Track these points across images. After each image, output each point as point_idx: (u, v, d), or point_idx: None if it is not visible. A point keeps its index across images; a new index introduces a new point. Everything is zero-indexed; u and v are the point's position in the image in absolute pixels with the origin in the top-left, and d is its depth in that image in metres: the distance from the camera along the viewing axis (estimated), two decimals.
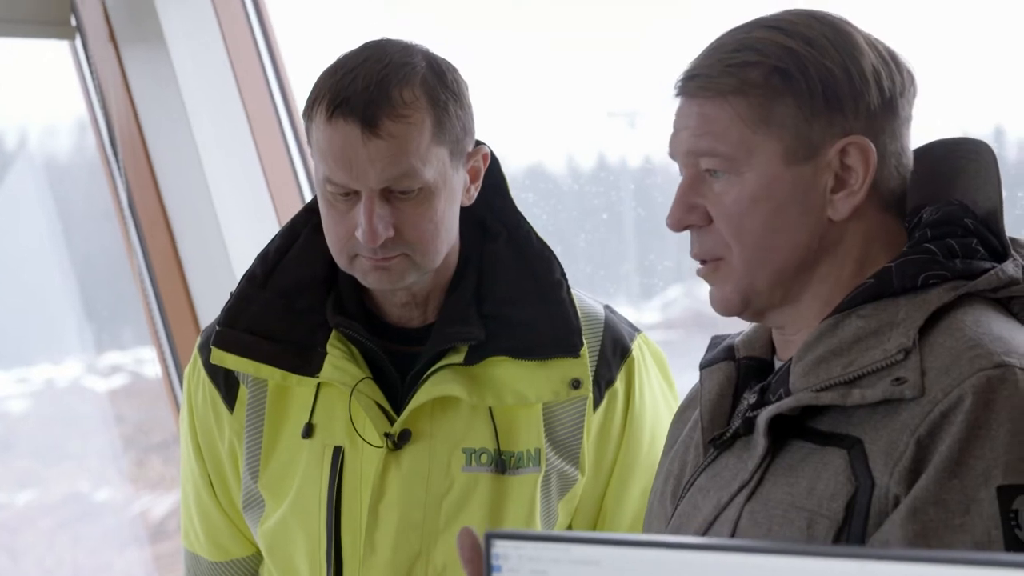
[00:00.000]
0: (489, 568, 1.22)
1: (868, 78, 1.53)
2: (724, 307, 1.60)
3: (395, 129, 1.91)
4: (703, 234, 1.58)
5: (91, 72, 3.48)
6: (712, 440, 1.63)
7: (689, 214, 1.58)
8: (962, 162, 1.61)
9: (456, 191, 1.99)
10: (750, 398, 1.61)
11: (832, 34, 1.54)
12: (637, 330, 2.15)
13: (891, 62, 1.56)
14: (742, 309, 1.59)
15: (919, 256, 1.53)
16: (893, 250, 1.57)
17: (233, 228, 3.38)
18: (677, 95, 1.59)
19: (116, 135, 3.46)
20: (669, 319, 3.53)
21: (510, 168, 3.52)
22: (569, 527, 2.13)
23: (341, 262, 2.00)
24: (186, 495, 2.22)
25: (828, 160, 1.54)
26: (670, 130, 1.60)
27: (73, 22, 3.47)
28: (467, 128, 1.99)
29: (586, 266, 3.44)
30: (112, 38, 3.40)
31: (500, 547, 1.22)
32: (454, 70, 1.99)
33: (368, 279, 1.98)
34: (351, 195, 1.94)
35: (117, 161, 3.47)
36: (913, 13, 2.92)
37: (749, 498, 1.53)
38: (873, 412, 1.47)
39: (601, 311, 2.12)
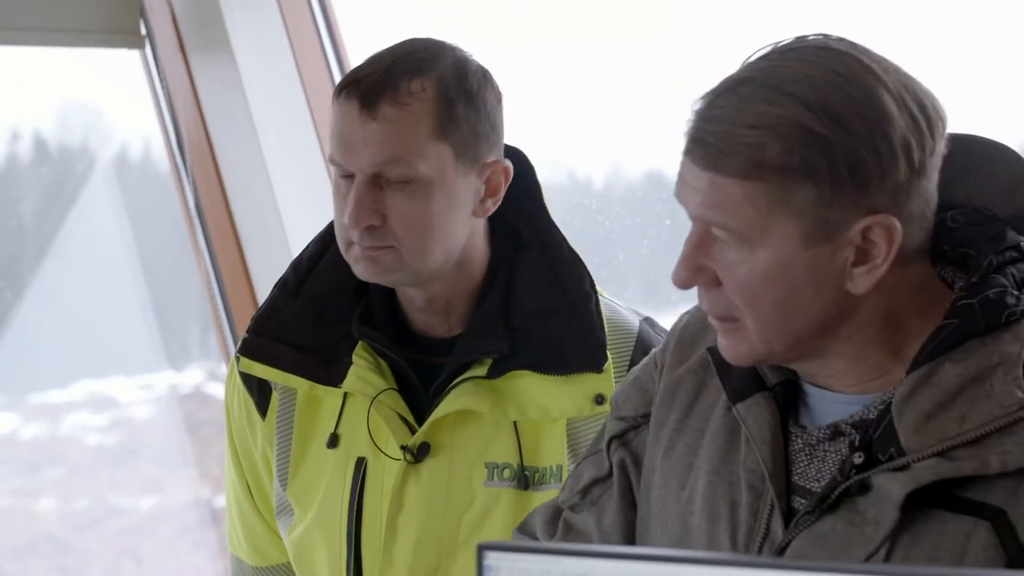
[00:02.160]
0: None
1: (898, 153, 1.41)
2: (735, 360, 1.51)
3: (392, 114, 1.90)
4: (711, 294, 1.48)
5: (160, 80, 3.52)
6: (811, 507, 1.48)
7: (696, 276, 1.47)
8: (969, 160, 1.53)
9: (459, 195, 1.95)
10: (857, 459, 1.46)
11: (862, 103, 1.40)
12: None
13: (921, 120, 1.42)
14: (752, 362, 1.51)
15: (997, 290, 1.44)
16: (919, 293, 1.48)
17: (299, 234, 3.39)
18: (686, 156, 1.45)
19: (184, 142, 3.50)
20: None
21: (628, 176, 3.51)
22: None
23: (341, 248, 1.99)
24: (229, 501, 2.23)
25: (850, 238, 1.42)
26: (676, 175, 1.49)
27: (143, 31, 3.52)
28: (481, 135, 1.95)
29: None
30: (181, 47, 3.44)
31: (492, 559, 1.22)
32: (483, 78, 1.97)
33: (357, 268, 1.97)
34: (351, 178, 1.94)
35: (186, 168, 3.51)
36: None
37: None
38: (1014, 478, 1.39)
39: (635, 324, 2.07)
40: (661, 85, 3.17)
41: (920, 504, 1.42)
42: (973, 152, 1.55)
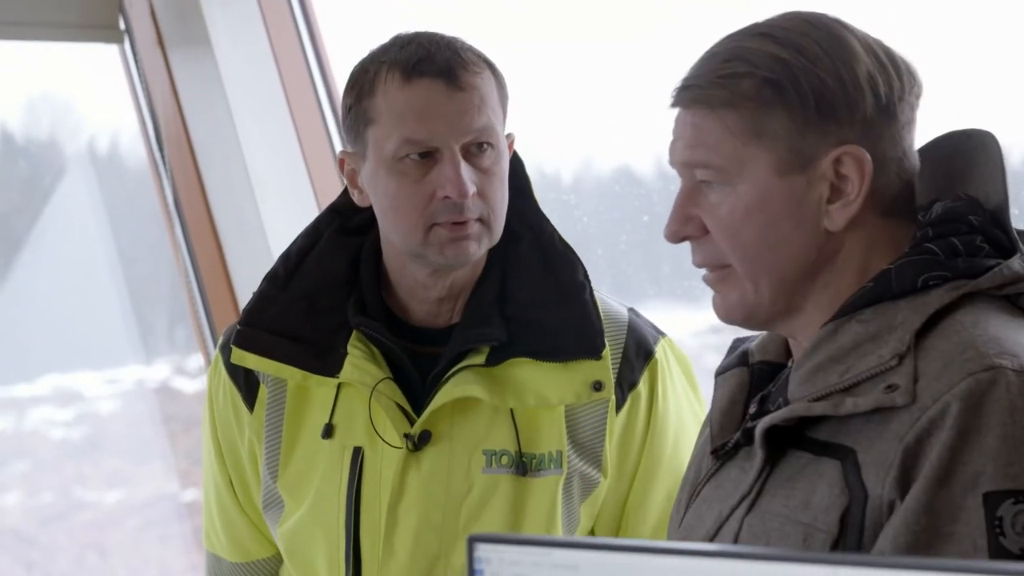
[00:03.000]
0: (472, 571, 1.22)
1: (863, 85, 1.49)
2: (727, 316, 1.57)
3: (474, 81, 1.96)
4: (702, 244, 1.56)
5: (139, 75, 3.52)
6: (715, 450, 1.61)
7: (685, 225, 1.55)
8: (972, 154, 1.56)
9: (505, 163, 2.01)
10: (752, 407, 1.59)
11: (826, 40, 1.50)
12: (662, 333, 2.13)
13: (889, 65, 1.51)
14: (744, 321, 1.57)
15: (920, 257, 1.50)
16: (895, 254, 1.53)
17: (278, 229, 3.40)
18: (672, 105, 1.56)
19: (163, 137, 3.50)
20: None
21: (597, 172, 3.52)
22: (592, 531, 2.12)
23: (415, 238, 1.98)
24: (207, 496, 2.22)
25: (822, 171, 1.50)
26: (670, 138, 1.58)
27: (122, 26, 3.51)
28: (506, 107, 2.02)
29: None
30: (160, 41, 3.44)
31: (482, 550, 1.22)
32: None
33: (446, 252, 1.97)
34: (428, 158, 1.96)
35: (164, 163, 3.50)
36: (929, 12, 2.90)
37: (749, 510, 1.51)
38: (867, 421, 1.44)
39: (625, 313, 2.11)
40: (633, 82, 3.19)
41: (789, 447, 1.50)
42: (975, 146, 1.58)
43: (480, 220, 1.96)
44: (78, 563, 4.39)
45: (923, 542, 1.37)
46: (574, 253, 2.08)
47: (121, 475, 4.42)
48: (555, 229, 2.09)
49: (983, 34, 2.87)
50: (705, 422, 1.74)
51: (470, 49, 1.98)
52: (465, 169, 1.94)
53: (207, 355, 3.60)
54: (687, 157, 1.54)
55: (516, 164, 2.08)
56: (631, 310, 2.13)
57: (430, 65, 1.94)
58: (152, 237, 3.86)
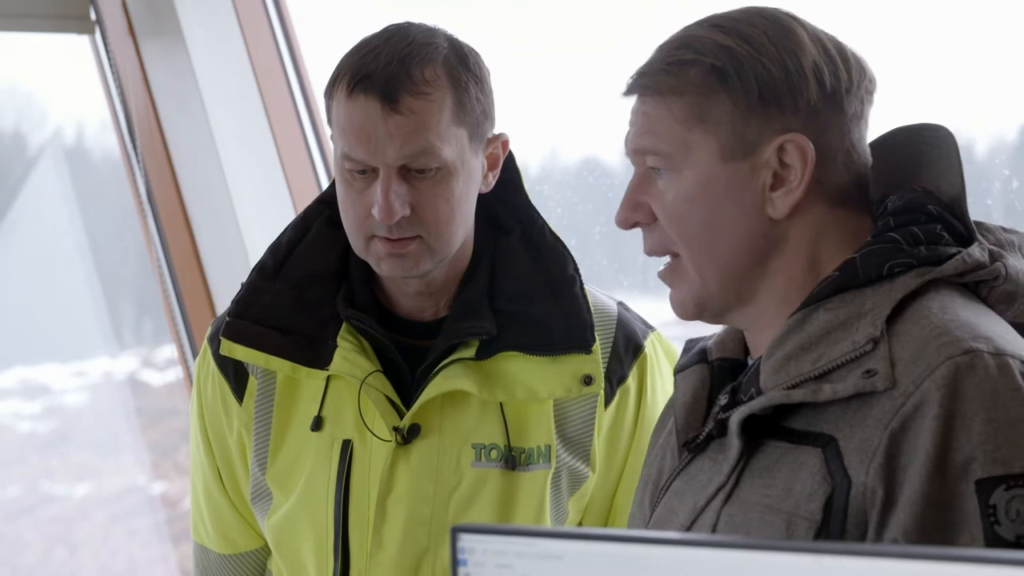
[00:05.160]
0: (455, 562, 1.22)
1: (808, 75, 1.51)
2: (681, 310, 1.59)
3: (415, 105, 1.91)
4: (650, 231, 1.59)
5: (111, 66, 3.50)
6: (686, 444, 1.61)
7: (634, 212, 1.58)
8: (924, 148, 1.58)
9: (474, 175, 1.98)
10: (722, 399, 1.59)
11: (773, 31, 1.53)
12: (651, 327, 2.13)
13: (837, 57, 1.53)
14: (698, 312, 1.59)
15: (883, 245, 1.51)
16: (849, 244, 1.55)
17: (251, 221, 3.39)
18: (625, 93, 1.59)
19: (135, 129, 3.48)
20: None
21: (565, 161, 3.52)
22: (580, 524, 2.12)
23: (358, 245, 1.99)
24: (195, 487, 2.22)
25: (766, 158, 1.52)
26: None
27: (93, 16, 3.49)
28: (487, 112, 1.98)
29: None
30: (131, 32, 3.42)
31: (466, 541, 1.22)
32: (476, 55, 1.99)
33: (382, 265, 1.97)
34: (368, 173, 1.94)
35: (137, 154, 3.49)
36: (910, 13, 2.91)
37: (726, 501, 1.51)
38: (846, 407, 1.45)
39: (614, 307, 2.10)
40: (599, 76, 3.19)
41: (764, 437, 1.51)
42: (926, 140, 1.60)
43: (420, 238, 1.95)
44: (46, 557, 4.38)
45: (922, 531, 1.38)
46: (564, 246, 2.07)
47: (89, 468, 4.41)
48: (545, 222, 2.08)
49: (952, 30, 2.89)
50: (661, 420, 1.75)
51: (428, 62, 1.93)
52: (398, 191, 1.92)
53: (181, 348, 3.59)
54: (637, 144, 1.57)
55: (507, 158, 2.06)
56: (620, 304, 2.12)
57: (370, 83, 1.91)
58: (122, 229, 3.85)
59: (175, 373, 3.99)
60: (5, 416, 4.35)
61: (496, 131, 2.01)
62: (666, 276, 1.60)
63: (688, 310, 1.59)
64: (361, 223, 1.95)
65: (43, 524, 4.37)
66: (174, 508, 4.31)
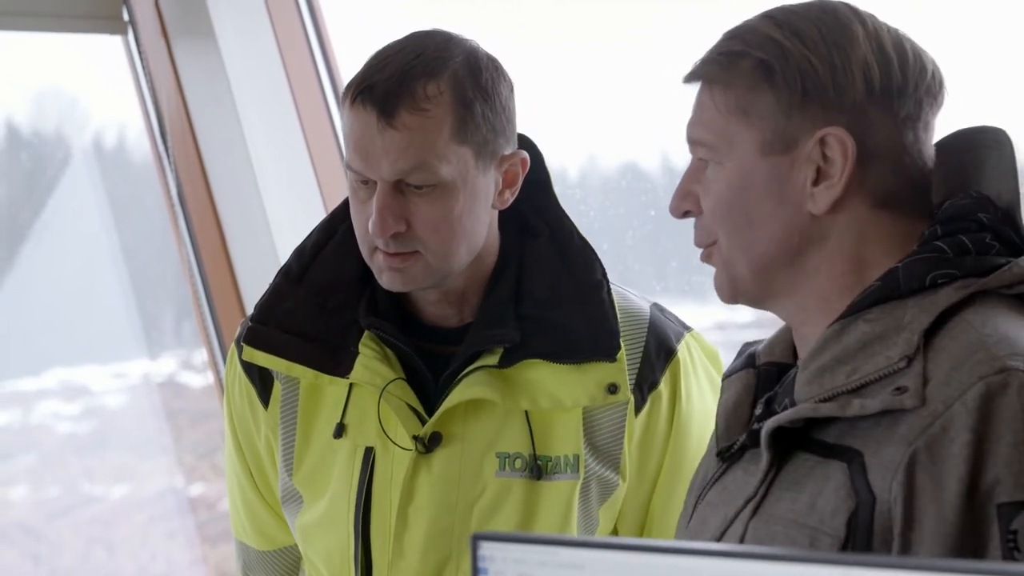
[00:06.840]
0: (475, 570, 1.21)
1: (854, 72, 1.48)
2: (718, 291, 1.58)
3: (412, 121, 1.88)
4: (699, 222, 1.58)
5: (143, 67, 3.51)
6: (720, 452, 1.59)
7: (684, 201, 1.58)
8: (984, 152, 1.54)
9: (480, 194, 1.94)
10: (759, 409, 1.57)
11: (828, 25, 1.50)
12: (687, 328, 2.09)
13: (893, 57, 1.50)
14: (732, 295, 1.57)
15: (928, 255, 1.47)
16: (898, 249, 1.50)
17: (281, 222, 3.39)
18: (684, 81, 1.59)
19: (167, 129, 3.48)
20: (760, 318, 3.49)
21: (603, 168, 3.51)
22: (614, 533, 2.08)
23: (364, 255, 1.97)
24: (231, 487, 2.21)
25: (807, 152, 1.50)
26: None
27: (125, 17, 3.50)
28: (498, 130, 1.94)
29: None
30: (164, 33, 3.43)
31: (486, 548, 1.20)
32: (495, 70, 1.95)
33: (383, 278, 1.95)
34: (370, 184, 1.92)
35: (168, 155, 3.49)
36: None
37: (754, 514, 1.49)
38: (877, 423, 1.42)
39: (647, 310, 2.06)
40: (638, 79, 3.18)
41: (796, 449, 1.48)
42: (986, 142, 1.56)
43: (418, 253, 1.92)
44: (84, 557, 4.39)
45: (947, 554, 1.35)
46: (592, 250, 2.04)
47: (127, 469, 4.43)
48: (574, 225, 2.04)
49: (1001, 31, 2.86)
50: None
51: (433, 77, 1.89)
52: (392, 205, 1.90)
53: (211, 350, 3.59)
54: (689, 133, 1.58)
55: (536, 158, 2.03)
56: (654, 305, 2.08)
57: (370, 95, 1.89)
58: (156, 231, 3.85)
59: (210, 376, 4.00)
60: (45, 417, 4.36)
61: (512, 149, 1.97)
62: (706, 260, 1.59)
63: (725, 292, 1.58)
64: (365, 233, 1.94)
65: (82, 525, 4.38)
66: (212, 510, 4.32)
